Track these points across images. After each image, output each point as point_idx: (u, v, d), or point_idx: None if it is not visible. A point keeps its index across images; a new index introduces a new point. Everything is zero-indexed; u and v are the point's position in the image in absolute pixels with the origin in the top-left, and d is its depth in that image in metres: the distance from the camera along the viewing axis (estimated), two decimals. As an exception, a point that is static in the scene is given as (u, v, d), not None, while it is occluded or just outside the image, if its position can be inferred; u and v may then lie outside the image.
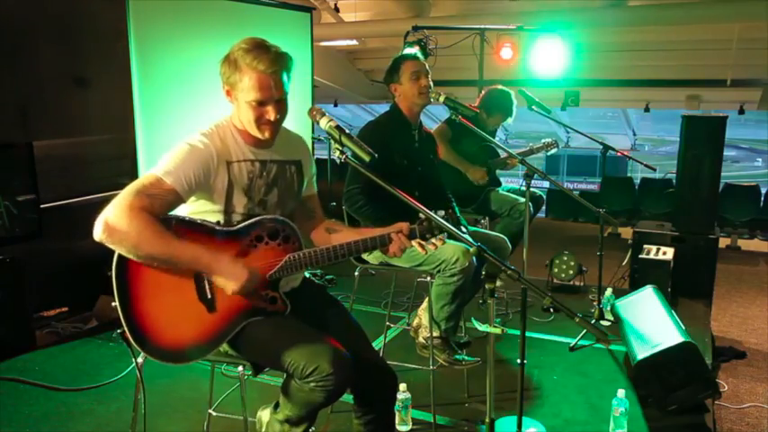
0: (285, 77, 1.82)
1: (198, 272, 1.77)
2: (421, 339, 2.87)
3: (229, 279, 1.74)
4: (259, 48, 1.78)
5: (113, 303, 1.73)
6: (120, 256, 1.70)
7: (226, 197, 1.84)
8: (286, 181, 1.99)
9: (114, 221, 1.63)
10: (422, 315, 2.84)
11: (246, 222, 1.85)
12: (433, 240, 1.87)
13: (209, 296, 1.79)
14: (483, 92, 4.05)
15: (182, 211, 1.83)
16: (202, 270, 1.75)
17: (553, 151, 4.10)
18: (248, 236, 1.83)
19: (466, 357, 2.76)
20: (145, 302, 1.75)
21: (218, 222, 1.85)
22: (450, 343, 2.77)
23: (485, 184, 3.80)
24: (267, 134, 1.85)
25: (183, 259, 1.71)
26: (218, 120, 1.91)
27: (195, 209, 1.86)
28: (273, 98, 1.80)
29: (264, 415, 2.12)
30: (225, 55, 1.84)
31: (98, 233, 1.64)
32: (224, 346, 1.88)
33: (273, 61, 1.77)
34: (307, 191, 2.10)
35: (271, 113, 1.81)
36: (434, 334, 2.72)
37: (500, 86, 4.03)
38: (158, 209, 1.71)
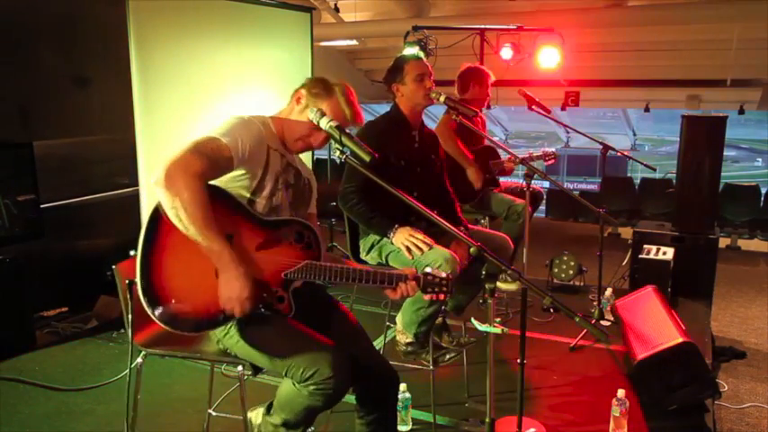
0: None
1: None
2: (399, 347, 2.75)
3: (230, 287, 1.72)
4: (343, 88, 1.99)
5: (132, 252, 1.74)
6: (157, 207, 1.72)
7: (260, 178, 1.88)
8: (298, 189, 2.03)
9: (175, 175, 1.65)
10: (398, 320, 2.78)
11: (280, 218, 1.90)
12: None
13: None
14: (457, 82, 4.00)
15: None
16: (215, 265, 1.74)
17: (551, 162, 4.09)
18: (277, 230, 1.87)
19: (450, 347, 2.73)
20: (165, 257, 1.75)
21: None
22: (425, 342, 2.69)
23: (479, 186, 3.78)
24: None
25: (208, 246, 1.70)
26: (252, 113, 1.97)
27: (224, 186, 1.86)
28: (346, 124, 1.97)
29: (255, 416, 2.11)
30: (315, 80, 1.99)
31: (159, 178, 1.65)
32: (224, 345, 1.88)
33: (348, 93, 2.00)
34: (310, 208, 2.15)
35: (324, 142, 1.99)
36: (408, 339, 2.65)
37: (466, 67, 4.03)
38: (211, 171, 1.73)
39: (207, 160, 1.70)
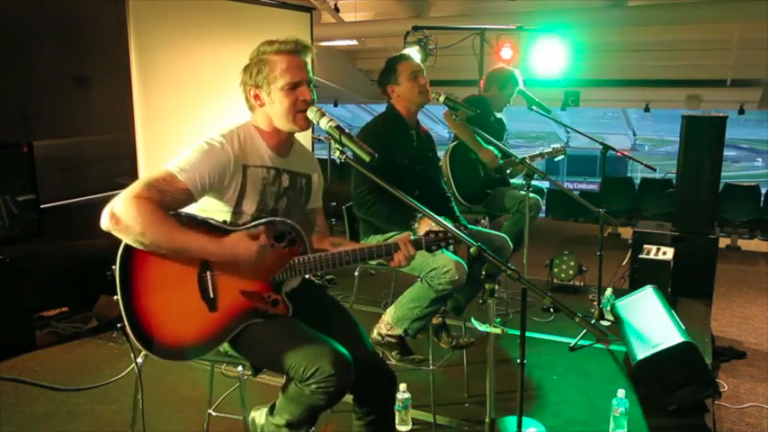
0: (309, 64, 1.88)
1: (204, 264, 1.77)
2: (375, 335, 2.70)
3: (241, 255, 1.74)
4: (279, 39, 1.85)
5: (115, 297, 1.74)
6: (124, 250, 1.71)
7: (236, 200, 1.85)
8: (295, 192, 2.00)
9: (121, 211, 1.63)
10: (389, 311, 2.71)
11: (254, 223, 1.85)
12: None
13: (212, 295, 1.79)
14: (484, 79, 4.10)
15: (189, 208, 1.83)
16: (211, 257, 1.75)
17: (560, 157, 4.13)
18: None
19: (418, 356, 2.72)
20: (147, 298, 1.75)
21: (224, 221, 1.85)
22: (404, 345, 2.68)
23: (495, 171, 3.81)
24: (303, 124, 1.87)
25: (190, 248, 1.71)
26: (239, 122, 1.92)
27: (203, 207, 1.86)
28: (305, 79, 1.85)
29: (258, 416, 2.11)
30: (245, 65, 1.89)
31: (105, 222, 1.64)
32: (224, 346, 1.88)
33: (298, 43, 1.85)
34: (312, 204, 2.11)
35: (306, 93, 1.84)
36: (395, 332, 2.64)
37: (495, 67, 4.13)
38: (167, 204, 1.71)
39: (157, 192, 1.68)
